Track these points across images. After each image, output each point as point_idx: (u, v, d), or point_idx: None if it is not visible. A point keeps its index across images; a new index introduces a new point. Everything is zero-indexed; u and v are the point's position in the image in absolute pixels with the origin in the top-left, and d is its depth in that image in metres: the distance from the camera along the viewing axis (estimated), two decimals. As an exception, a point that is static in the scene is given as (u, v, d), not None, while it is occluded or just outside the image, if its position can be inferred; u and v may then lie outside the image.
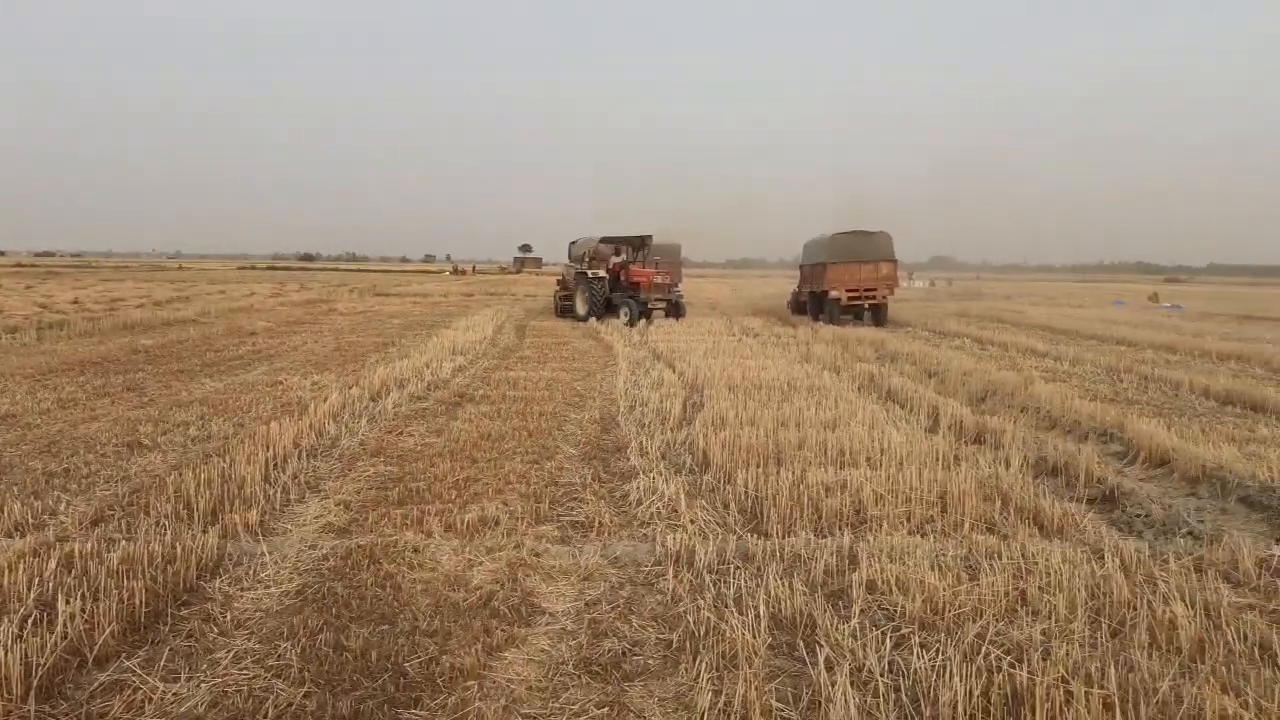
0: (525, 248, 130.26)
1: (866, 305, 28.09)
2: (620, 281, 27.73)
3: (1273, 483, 7.50)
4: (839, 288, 27.76)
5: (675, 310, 27.32)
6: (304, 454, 8.35)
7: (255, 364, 15.39)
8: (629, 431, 9.54)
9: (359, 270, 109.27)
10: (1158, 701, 3.77)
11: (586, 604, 5.01)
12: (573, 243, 31.37)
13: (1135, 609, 4.78)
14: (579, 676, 4.16)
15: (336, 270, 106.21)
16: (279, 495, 7.00)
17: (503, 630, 4.60)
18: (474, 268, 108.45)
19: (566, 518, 6.58)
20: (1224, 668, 4.17)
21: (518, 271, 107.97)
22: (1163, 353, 19.09)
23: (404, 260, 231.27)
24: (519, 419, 10.25)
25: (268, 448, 8.11)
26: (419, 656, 4.31)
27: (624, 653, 4.39)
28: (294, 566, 5.51)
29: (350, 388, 11.89)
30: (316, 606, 4.91)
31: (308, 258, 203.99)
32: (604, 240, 28.89)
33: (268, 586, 5.20)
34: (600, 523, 6.42)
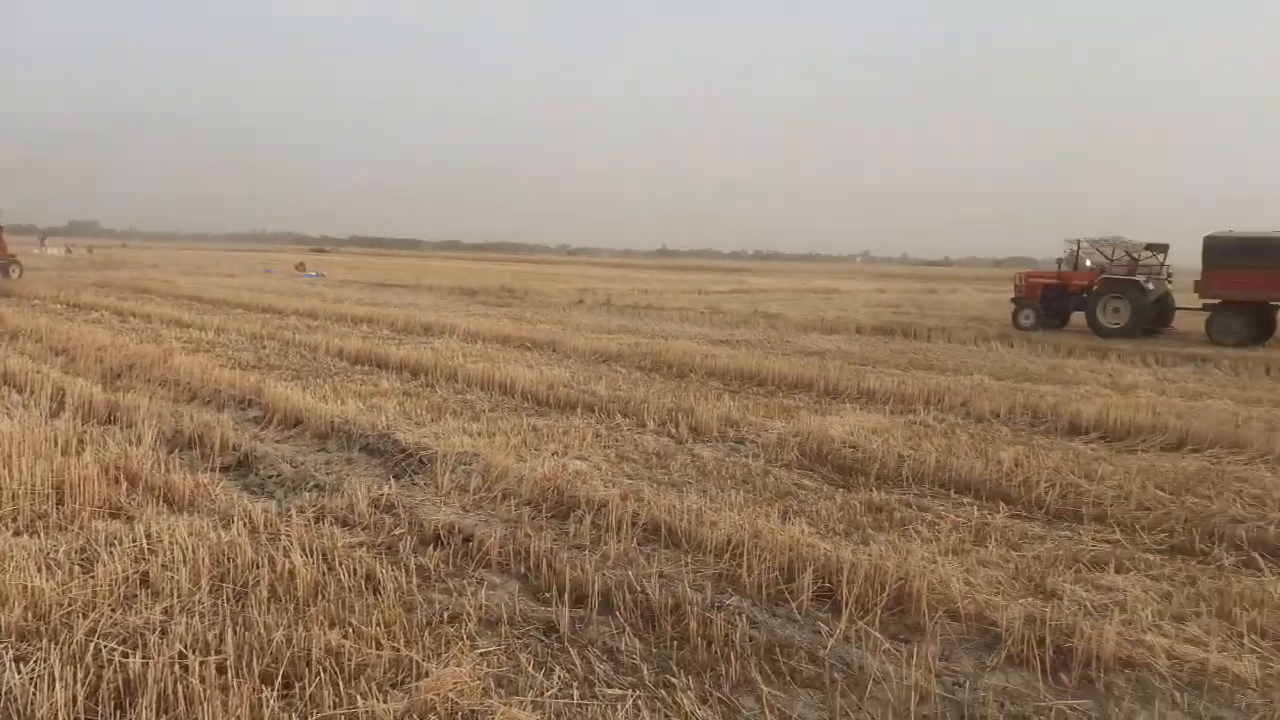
0: None
1: None
2: None
3: (388, 429, 8.51)
4: None
5: None
6: None
7: None
8: None
9: None
10: (271, 652, 3.93)
11: None
12: None
13: (259, 568, 4.92)
14: None
15: None
16: None
17: None
18: None
19: None
20: (335, 604, 4.56)
21: None
22: (305, 319, 20.35)
23: None
24: None
25: None
26: None
27: None
28: None
29: None
30: None
31: None
32: None
33: None
34: None
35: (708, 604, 4.71)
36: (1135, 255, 22.00)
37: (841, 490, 7.14)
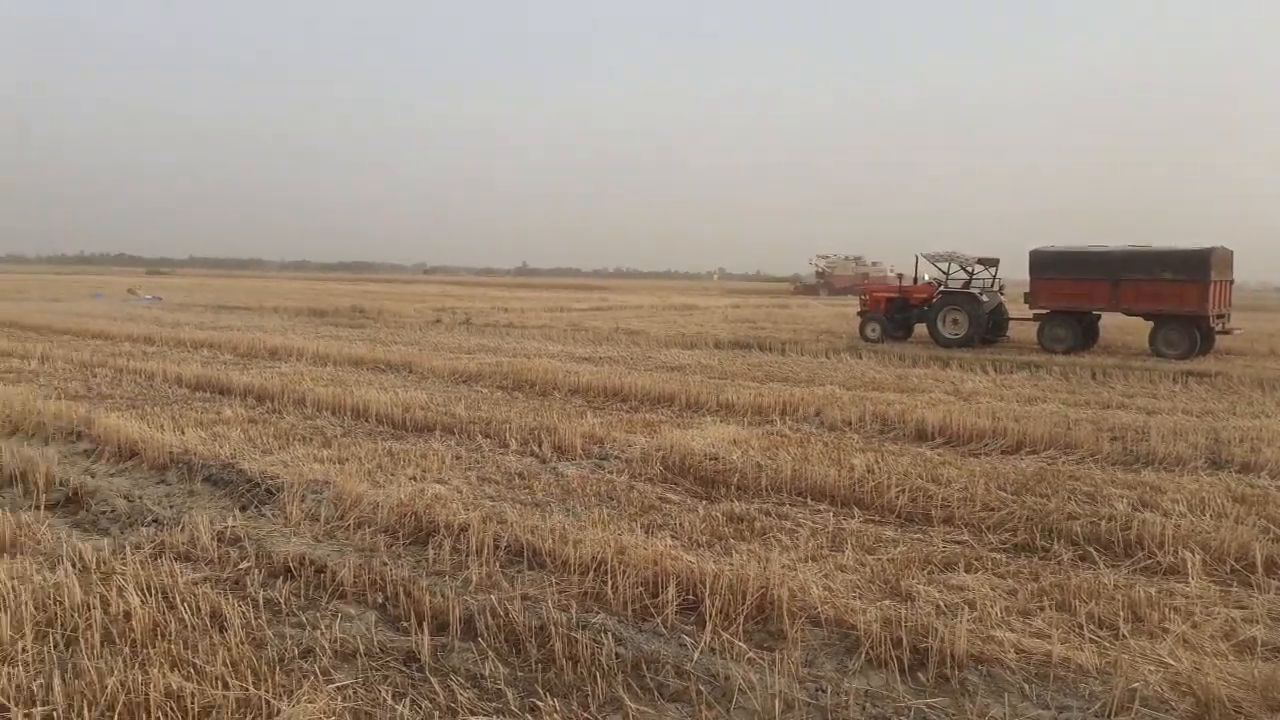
0: None
1: None
2: None
3: (233, 459, 8.08)
4: None
5: None
6: None
7: None
8: None
9: None
10: (105, 699, 3.64)
11: None
12: None
13: (90, 610, 4.57)
14: None
15: None
16: None
17: None
18: None
19: None
20: (177, 645, 4.27)
21: None
22: (140, 344, 19.19)
23: None
24: None
25: None
26: None
27: None
28: None
29: None
30: None
31: None
32: None
33: None
34: None
35: (573, 624, 4.65)
36: (970, 269, 23.29)
37: (704, 502, 7.22)
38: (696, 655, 4.37)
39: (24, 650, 4.16)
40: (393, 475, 7.80)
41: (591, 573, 5.35)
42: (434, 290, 65.66)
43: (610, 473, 8.19)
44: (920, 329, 23.49)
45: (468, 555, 5.68)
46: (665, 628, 4.71)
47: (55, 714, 3.54)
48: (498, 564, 5.57)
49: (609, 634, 4.53)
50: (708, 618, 4.72)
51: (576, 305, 42.87)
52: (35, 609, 4.56)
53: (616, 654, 4.35)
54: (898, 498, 7.12)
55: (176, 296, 44.88)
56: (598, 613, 4.88)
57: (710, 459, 8.33)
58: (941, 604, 5.01)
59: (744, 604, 4.83)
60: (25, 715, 3.44)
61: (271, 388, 12.47)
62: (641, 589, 5.09)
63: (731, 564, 5.33)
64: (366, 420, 10.64)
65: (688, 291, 72.51)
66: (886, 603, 5.02)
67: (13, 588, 4.74)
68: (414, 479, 7.67)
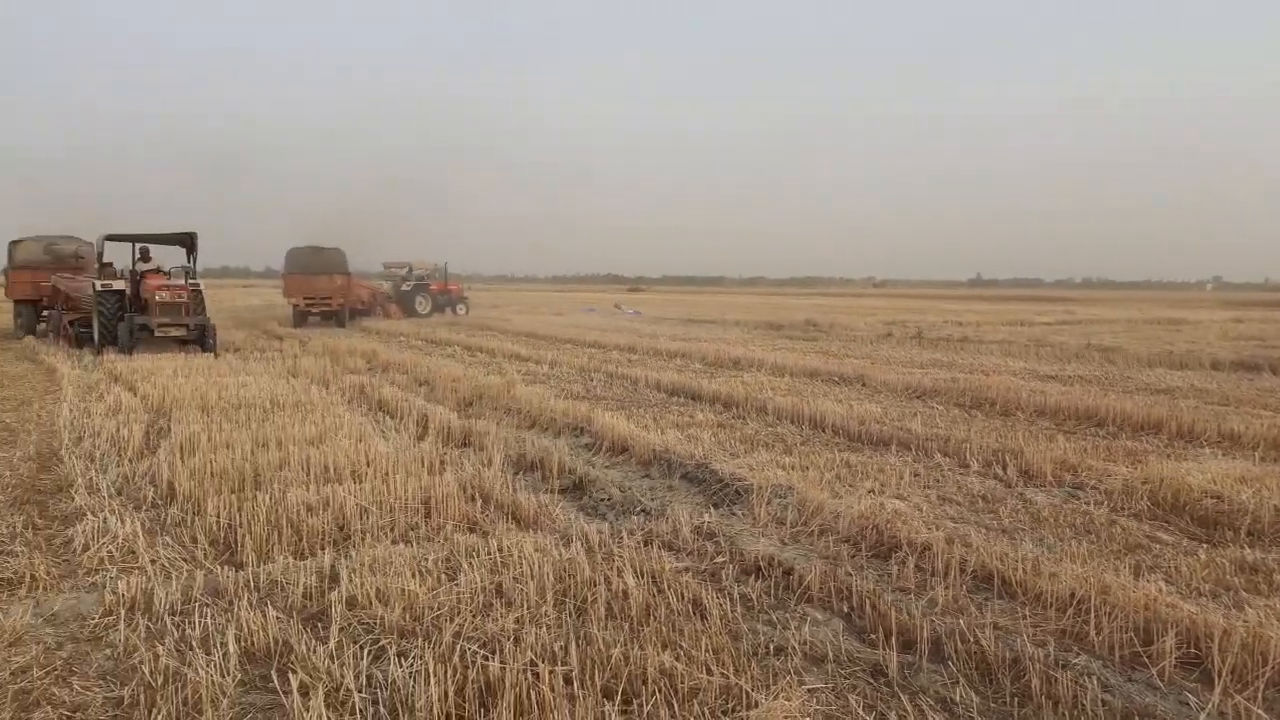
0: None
1: (316, 311, 31.90)
2: (140, 297, 20.24)
3: (705, 459, 8.76)
4: (297, 296, 31.67)
5: (202, 341, 20.15)
6: None
7: None
8: (75, 467, 8.26)
9: None
10: (610, 667, 4.16)
11: (12, 673, 4.21)
12: (14, 243, 26.40)
13: (596, 586, 5.24)
14: (-9, 766, 3.46)
15: None
16: None
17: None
18: None
19: (-16, 577, 5.48)
20: (666, 626, 4.74)
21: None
22: (625, 353, 21.49)
23: None
24: (-81, 463, 8.36)
25: None
26: None
27: (56, 724, 3.76)
28: None
29: None
30: None
31: None
32: (112, 238, 20.92)
33: None
34: (34, 576, 5.46)
35: (1051, 661, 4.37)
36: None
37: (1204, 545, 6.37)
38: (1203, 717, 3.88)
39: (546, 614, 4.89)
40: (851, 486, 7.92)
41: (1069, 610, 4.98)
42: (883, 303, 65.21)
43: (1086, 504, 7.54)
44: None
45: (931, 575, 5.60)
46: (1161, 680, 4.24)
47: (572, 675, 4.10)
48: (963, 588, 5.41)
49: (1093, 678, 4.19)
50: (1216, 677, 4.16)
51: (1039, 319, 39.95)
52: (554, 580, 5.34)
53: (1102, 700, 4.01)
54: None
55: (652, 311, 49.61)
56: (1078, 653, 4.54)
57: (1212, 497, 7.31)
58: None
59: (1264, 667, 4.19)
60: (550, 672, 4.03)
61: (736, 395, 13.27)
62: (1131, 634, 4.63)
63: (1245, 619, 4.64)
64: (823, 430, 10.89)
65: (1174, 304, 64.11)
66: None
67: (538, 560, 5.60)
68: (872, 492, 7.70)
